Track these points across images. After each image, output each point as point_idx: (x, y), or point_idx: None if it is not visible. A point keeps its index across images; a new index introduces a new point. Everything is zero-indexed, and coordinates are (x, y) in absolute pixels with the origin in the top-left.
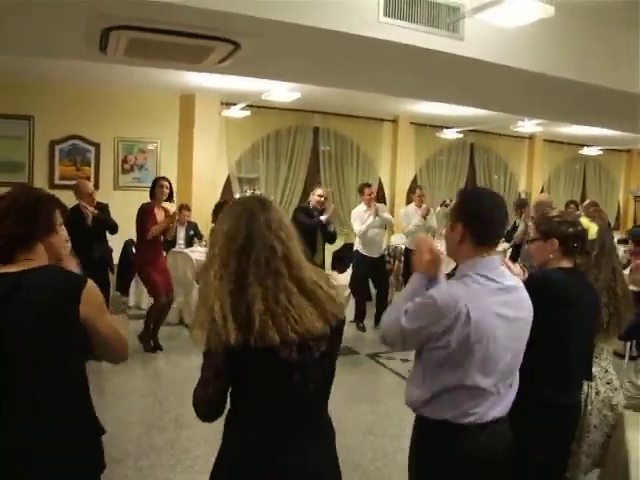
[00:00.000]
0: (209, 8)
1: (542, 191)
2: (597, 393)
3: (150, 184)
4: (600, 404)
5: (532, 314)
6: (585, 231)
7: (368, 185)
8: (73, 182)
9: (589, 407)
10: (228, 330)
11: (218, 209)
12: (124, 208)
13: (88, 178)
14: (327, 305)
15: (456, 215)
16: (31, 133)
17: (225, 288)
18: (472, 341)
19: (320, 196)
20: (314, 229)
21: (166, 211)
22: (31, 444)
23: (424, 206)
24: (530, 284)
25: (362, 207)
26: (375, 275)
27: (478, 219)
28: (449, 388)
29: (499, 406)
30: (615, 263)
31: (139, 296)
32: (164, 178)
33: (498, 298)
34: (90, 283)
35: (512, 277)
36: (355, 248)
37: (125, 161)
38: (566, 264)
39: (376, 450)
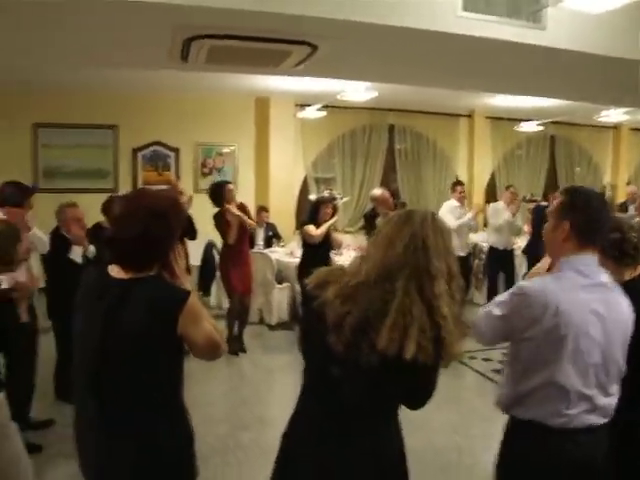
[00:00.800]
0: (286, 12)
1: (629, 183)
2: None
3: None
4: None
5: (631, 319)
6: (630, 240)
7: (460, 183)
8: (155, 187)
9: None
10: None
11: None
12: (204, 211)
13: (169, 182)
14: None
15: (563, 213)
16: (115, 141)
17: None
18: (561, 334)
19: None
20: None
21: (241, 206)
22: (126, 439)
23: (515, 203)
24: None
25: (453, 202)
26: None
27: (586, 218)
28: (538, 386)
29: (593, 414)
30: None
31: (220, 297)
32: (226, 181)
33: (591, 294)
34: (192, 298)
35: (608, 277)
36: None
37: (204, 165)
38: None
39: (462, 450)
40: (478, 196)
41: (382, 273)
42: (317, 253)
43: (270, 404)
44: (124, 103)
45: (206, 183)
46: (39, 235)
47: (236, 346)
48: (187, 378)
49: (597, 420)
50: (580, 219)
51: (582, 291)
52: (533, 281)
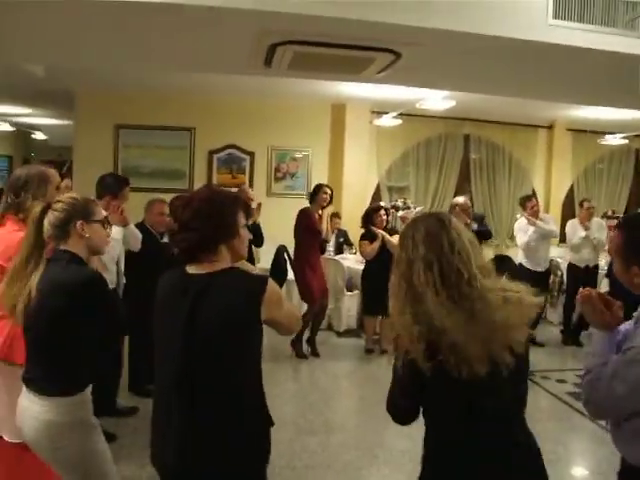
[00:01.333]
0: (370, 20)
1: None
2: None
3: (302, 191)
4: None
5: None
6: None
7: (529, 198)
8: (231, 189)
9: None
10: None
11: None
12: (276, 214)
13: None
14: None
15: (628, 254)
16: (192, 143)
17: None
18: None
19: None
20: None
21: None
22: (206, 431)
23: (584, 214)
24: None
25: (523, 221)
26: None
27: None
28: None
29: None
30: None
31: (289, 300)
32: (327, 185)
33: None
34: (270, 283)
35: None
36: (519, 261)
37: (278, 169)
38: None
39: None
40: (555, 211)
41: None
42: (375, 266)
43: (336, 410)
44: (201, 106)
45: (279, 187)
46: (134, 231)
47: (303, 349)
48: None
49: None
50: None
51: None
52: None
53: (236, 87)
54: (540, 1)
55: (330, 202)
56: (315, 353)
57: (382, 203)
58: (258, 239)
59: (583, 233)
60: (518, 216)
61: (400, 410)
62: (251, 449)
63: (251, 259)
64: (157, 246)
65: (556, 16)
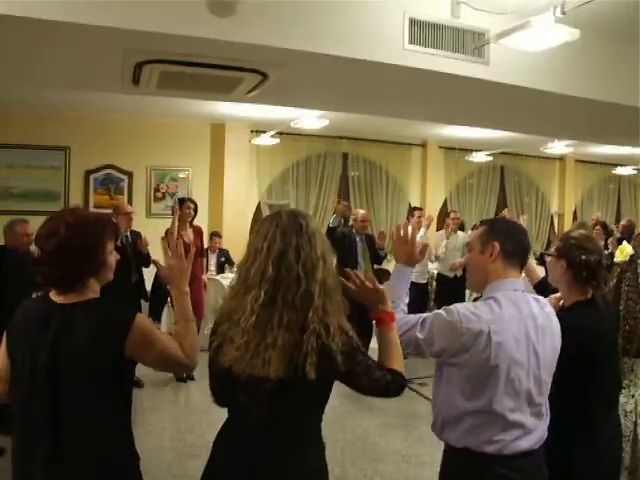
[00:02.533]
0: (237, 41)
1: (575, 212)
2: None
3: None
4: None
5: (559, 342)
6: (599, 262)
7: (418, 208)
8: (108, 210)
9: (638, 437)
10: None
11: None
12: (156, 235)
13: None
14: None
15: (491, 235)
16: (67, 163)
17: None
18: (492, 364)
19: (362, 221)
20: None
21: (195, 229)
22: (75, 471)
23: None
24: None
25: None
26: (418, 301)
27: (513, 241)
28: (470, 412)
29: (527, 439)
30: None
31: (171, 323)
32: (190, 199)
33: (523, 322)
34: (139, 317)
35: (539, 303)
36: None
37: (157, 189)
38: (577, 294)
39: (409, 477)
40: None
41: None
42: None
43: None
44: (76, 124)
45: (159, 208)
46: None
47: (185, 374)
48: (134, 406)
49: (532, 445)
50: (509, 241)
51: (514, 319)
52: (466, 307)
53: (113, 105)
54: (397, 27)
55: (194, 216)
56: (190, 375)
57: None
58: (146, 260)
59: (444, 241)
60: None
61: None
62: None
63: (141, 284)
64: (22, 266)
65: (412, 41)
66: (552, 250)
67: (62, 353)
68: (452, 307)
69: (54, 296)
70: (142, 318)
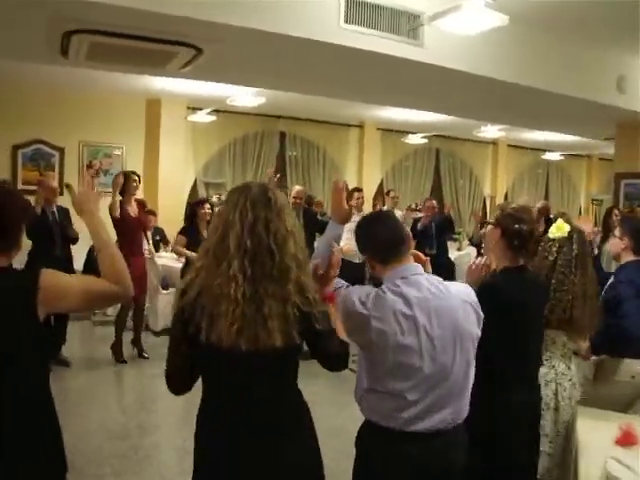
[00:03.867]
0: (171, 14)
1: (506, 195)
2: (564, 390)
3: None
4: (567, 400)
5: (466, 319)
6: (531, 232)
7: (357, 189)
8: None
9: (561, 403)
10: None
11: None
12: None
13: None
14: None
15: (360, 248)
16: None
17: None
18: (376, 347)
19: (295, 197)
20: None
21: (141, 204)
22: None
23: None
24: (478, 292)
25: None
26: (354, 281)
27: (369, 246)
28: (371, 389)
29: (430, 419)
30: (589, 268)
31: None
32: (133, 172)
33: (408, 307)
34: (43, 273)
35: (435, 283)
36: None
37: (90, 166)
38: (509, 261)
39: (340, 452)
40: (366, 205)
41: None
42: None
43: (151, 411)
44: (3, 96)
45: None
46: None
47: (138, 351)
48: (62, 384)
49: (434, 425)
50: (367, 249)
51: (398, 305)
52: (357, 293)
53: (43, 76)
54: (334, 5)
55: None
56: (142, 354)
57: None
58: (71, 238)
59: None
60: None
61: None
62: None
63: (69, 259)
64: None
65: (347, 20)
66: (492, 219)
67: None
68: (350, 290)
69: None
70: (46, 272)
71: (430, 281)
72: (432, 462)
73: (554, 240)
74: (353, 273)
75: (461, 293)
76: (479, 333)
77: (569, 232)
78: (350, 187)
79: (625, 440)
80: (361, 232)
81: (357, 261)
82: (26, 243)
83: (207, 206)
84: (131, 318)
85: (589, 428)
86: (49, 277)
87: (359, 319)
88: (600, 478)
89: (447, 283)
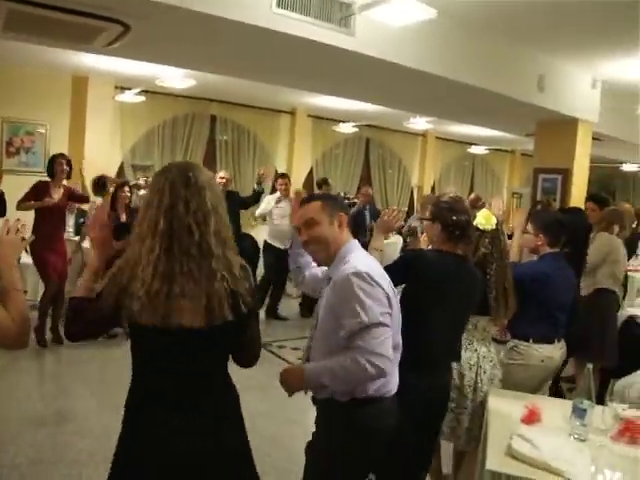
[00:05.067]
0: None
1: (433, 186)
2: (485, 372)
3: (39, 168)
4: (487, 381)
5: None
6: (468, 221)
7: (283, 175)
8: None
9: (479, 384)
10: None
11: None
12: (10, 193)
13: None
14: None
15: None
16: None
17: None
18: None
19: (222, 178)
20: None
21: (67, 189)
22: None
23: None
24: (402, 259)
25: (277, 195)
26: (278, 266)
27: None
28: None
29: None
30: (505, 258)
31: (35, 286)
32: (62, 155)
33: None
34: None
35: (342, 267)
36: (264, 238)
37: (10, 143)
38: (447, 248)
39: (264, 436)
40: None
41: None
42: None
43: (70, 398)
44: None
45: (12, 163)
46: None
47: (54, 337)
48: None
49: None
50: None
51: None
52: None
53: None
54: None
55: (69, 174)
56: (58, 340)
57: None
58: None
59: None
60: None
61: None
62: None
63: None
64: None
65: (280, 5)
66: (427, 215)
67: None
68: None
69: None
70: None
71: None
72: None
73: (484, 232)
74: (278, 258)
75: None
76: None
77: (496, 224)
78: (280, 172)
79: (530, 418)
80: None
81: (282, 247)
82: None
83: (126, 189)
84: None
85: (499, 407)
86: None
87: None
88: (505, 452)
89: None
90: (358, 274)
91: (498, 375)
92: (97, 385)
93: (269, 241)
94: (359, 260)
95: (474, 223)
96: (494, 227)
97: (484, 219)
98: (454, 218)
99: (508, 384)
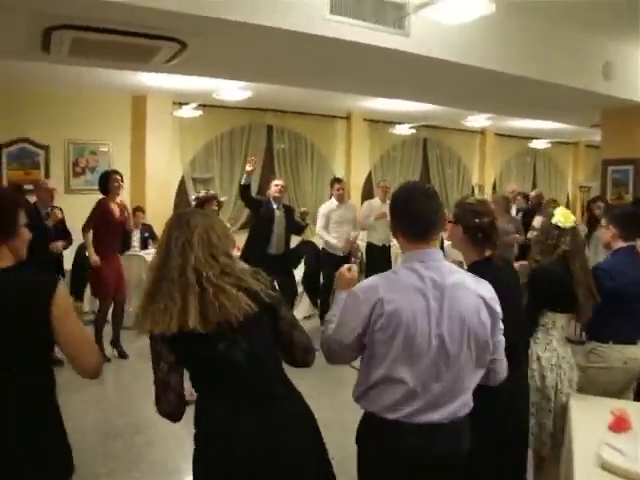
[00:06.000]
0: (154, 7)
1: (494, 184)
2: (564, 373)
3: None
4: (567, 383)
5: (476, 315)
6: (492, 224)
7: (339, 180)
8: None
9: (559, 386)
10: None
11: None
12: (76, 212)
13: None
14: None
15: (390, 214)
16: None
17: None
18: (389, 332)
19: (277, 185)
20: (271, 220)
21: (122, 207)
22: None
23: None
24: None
25: (333, 203)
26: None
27: (405, 215)
28: (376, 380)
29: (437, 411)
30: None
31: (94, 301)
32: (115, 171)
33: (422, 292)
34: (61, 285)
35: (454, 273)
36: (321, 247)
37: (76, 164)
38: (478, 255)
39: (331, 444)
40: (355, 196)
41: None
42: None
43: (144, 409)
44: None
45: (78, 183)
46: None
47: (118, 352)
48: (58, 388)
49: (445, 416)
50: (401, 217)
51: (412, 288)
52: (362, 283)
53: (26, 74)
54: None
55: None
56: (122, 354)
57: (192, 196)
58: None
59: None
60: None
61: None
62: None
63: (59, 259)
64: None
65: (333, 11)
66: (451, 217)
67: None
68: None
69: None
70: (64, 287)
71: (450, 270)
72: (435, 453)
73: (564, 230)
74: (337, 266)
75: (479, 287)
76: (489, 334)
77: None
78: (334, 177)
79: (619, 426)
80: (398, 201)
81: (341, 254)
82: None
83: (215, 202)
84: (110, 318)
85: (583, 413)
86: (65, 291)
87: (366, 302)
88: (595, 463)
89: (466, 275)
90: None
91: (575, 378)
92: None
93: (327, 249)
94: None
95: (553, 222)
96: (573, 225)
97: (563, 217)
98: (477, 220)
99: (589, 389)
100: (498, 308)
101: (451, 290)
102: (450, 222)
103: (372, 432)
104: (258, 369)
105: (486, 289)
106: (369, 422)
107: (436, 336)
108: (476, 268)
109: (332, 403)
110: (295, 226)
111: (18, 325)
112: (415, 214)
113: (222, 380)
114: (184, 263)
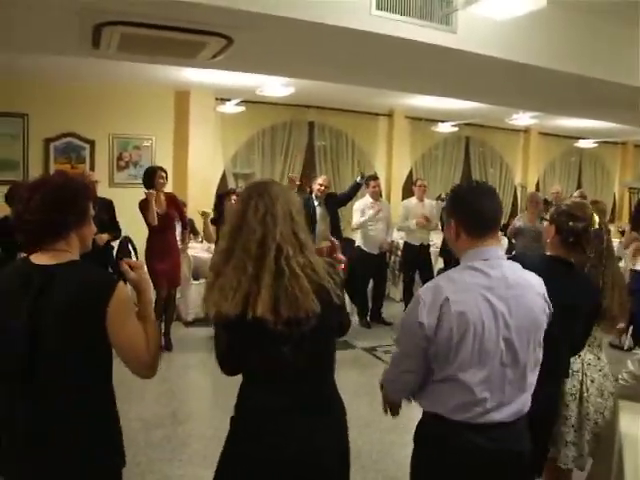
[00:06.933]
0: (202, 2)
1: (538, 184)
2: (592, 381)
3: None
4: (595, 392)
5: (541, 313)
6: (586, 229)
7: (374, 177)
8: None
9: (585, 394)
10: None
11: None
12: (120, 205)
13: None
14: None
15: (448, 213)
16: (25, 131)
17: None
18: (455, 333)
19: (321, 185)
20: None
21: (169, 197)
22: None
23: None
24: None
25: (367, 200)
26: (375, 272)
27: (466, 212)
28: (441, 380)
29: (502, 410)
30: (615, 259)
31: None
32: (161, 168)
33: (488, 291)
34: (121, 285)
35: (516, 271)
36: (357, 244)
37: (120, 158)
38: (560, 253)
39: (373, 443)
40: (396, 194)
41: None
42: None
43: (184, 401)
44: (35, 90)
45: (122, 177)
46: None
47: (164, 343)
48: None
49: (510, 415)
50: (462, 215)
51: (478, 288)
52: (426, 285)
53: (73, 70)
54: None
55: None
56: (168, 346)
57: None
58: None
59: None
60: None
61: None
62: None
63: (109, 254)
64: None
65: (379, 7)
66: (547, 215)
67: (43, 315)
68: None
69: (35, 259)
70: (124, 287)
71: (512, 268)
72: (502, 453)
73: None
74: (373, 264)
75: (536, 284)
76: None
77: (599, 223)
78: (380, 176)
79: None
80: (463, 196)
81: (376, 252)
82: None
83: (234, 197)
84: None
85: (633, 427)
86: (125, 291)
87: (432, 305)
88: None
89: (526, 272)
90: None
91: (609, 387)
92: (206, 389)
93: (363, 248)
94: None
95: None
96: (596, 226)
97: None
98: (570, 224)
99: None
100: (550, 305)
101: (516, 288)
102: (546, 220)
103: (437, 433)
104: (317, 371)
105: (540, 284)
106: (433, 423)
107: (504, 337)
108: (558, 267)
109: (370, 401)
110: (341, 200)
111: (75, 325)
112: (482, 211)
113: (279, 376)
114: (264, 235)
